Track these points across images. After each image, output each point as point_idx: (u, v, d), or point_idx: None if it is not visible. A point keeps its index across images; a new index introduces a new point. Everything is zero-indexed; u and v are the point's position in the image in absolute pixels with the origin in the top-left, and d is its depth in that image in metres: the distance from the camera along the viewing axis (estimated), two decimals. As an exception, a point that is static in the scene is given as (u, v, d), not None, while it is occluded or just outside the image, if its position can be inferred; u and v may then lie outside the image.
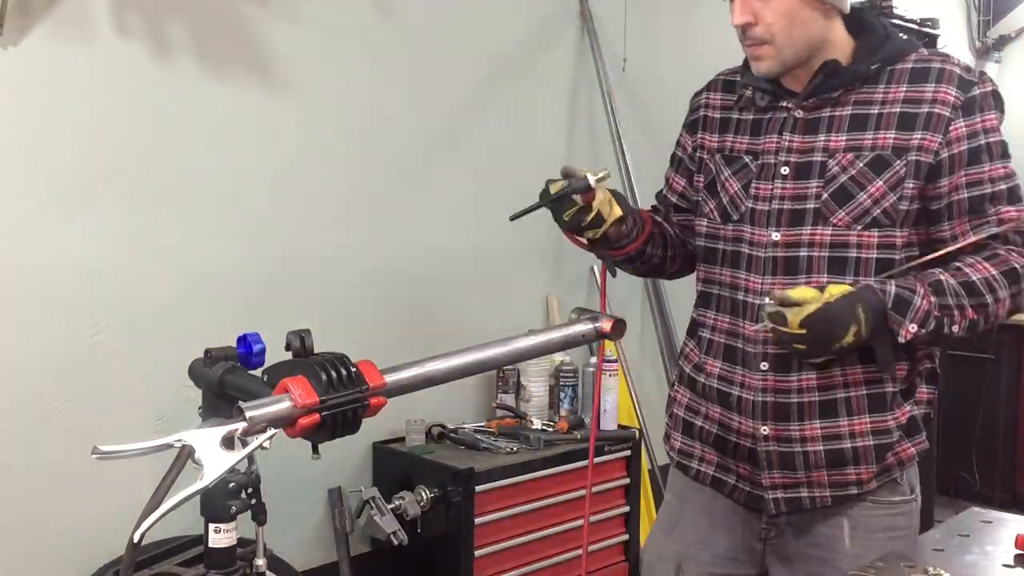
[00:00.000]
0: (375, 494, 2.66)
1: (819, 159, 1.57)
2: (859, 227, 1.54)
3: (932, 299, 1.47)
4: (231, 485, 1.27)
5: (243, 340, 1.26)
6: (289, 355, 1.22)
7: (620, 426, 3.04)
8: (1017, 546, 1.54)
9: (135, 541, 1.03)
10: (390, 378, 1.20)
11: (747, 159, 1.65)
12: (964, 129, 1.53)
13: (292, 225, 2.64)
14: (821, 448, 1.57)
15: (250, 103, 2.52)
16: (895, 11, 4.55)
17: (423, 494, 2.64)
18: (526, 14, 3.18)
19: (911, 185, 1.53)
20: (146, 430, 2.25)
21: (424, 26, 2.92)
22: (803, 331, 1.42)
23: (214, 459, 1.05)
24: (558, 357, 3.06)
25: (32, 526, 2.17)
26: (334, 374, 1.14)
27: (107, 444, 1.16)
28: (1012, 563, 1.49)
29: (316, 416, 1.11)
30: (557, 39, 3.27)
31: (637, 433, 3.04)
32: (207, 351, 1.29)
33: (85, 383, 2.25)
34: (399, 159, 2.88)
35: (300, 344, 1.23)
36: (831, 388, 1.56)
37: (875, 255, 1.54)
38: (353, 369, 1.16)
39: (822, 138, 1.58)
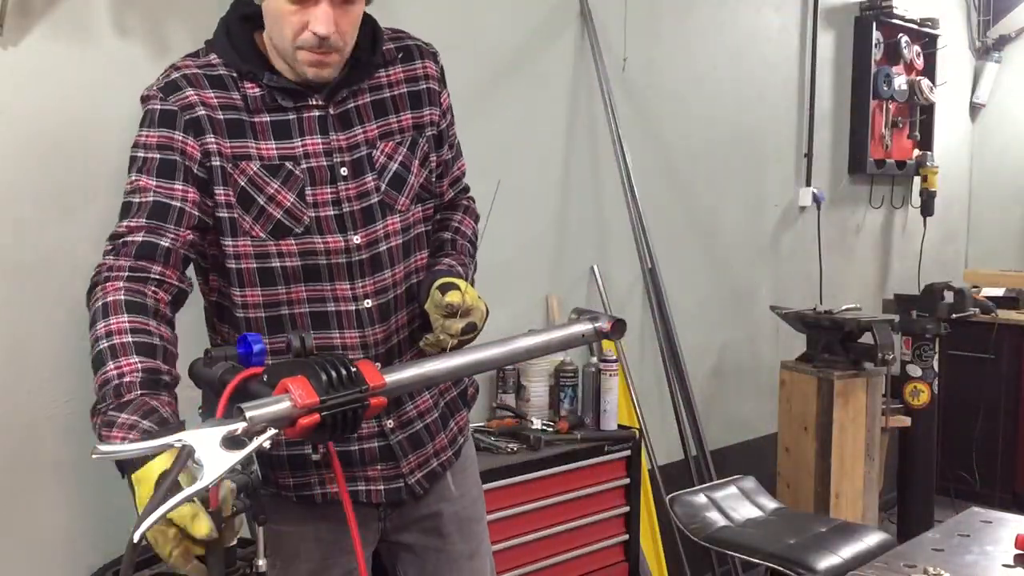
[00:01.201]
0: (375, 494, 2.66)
1: (365, 152, 1.60)
2: (415, 207, 1.67)
3: (471, 266, 1.77)
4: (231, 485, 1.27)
5: (243, 340, 1.26)
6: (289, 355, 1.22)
7: (620, 426, 3.04)
8: (1017, 546, 1.54)
9: (135, 541, 1.03)
10: (390, 378, 1.21)
11: (289, 166, 1.54)
12: (448, 98, 1.74)
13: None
14: (437, 415, 1.71)
15: (250, 103, 2.52)
16: (895, 11, 4.56)
17: (423, 494, 2.64)
18: (526, 14, 3.18)
19: (434, 157, 1.70)
20: (146, 430, 2.25)
21: (423, 26, 2.91)
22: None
23: (214, 459, 1.05)
24: (558, 357, 3.06)
25: (32, 526, 2.17)
26: (334, 374, 1.14)
27: (107, 444, 1.16)
28: (1012, 563, 1.50)
29: (316, 416, 1.11)
30: (557, 39, 3.27)
31: (637, 433, 3.04)
32: (207, 351, 1.28)
33: (85, 383, 2.24)
34: (399, 159, 2.88)
35: (300, 344, 1.23)
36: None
37: (424, 228, 1.70)
38: (353, 369, 1.16)
39: (359, 131, 1.61)
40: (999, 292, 4.88)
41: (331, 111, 1.57)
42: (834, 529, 2.72)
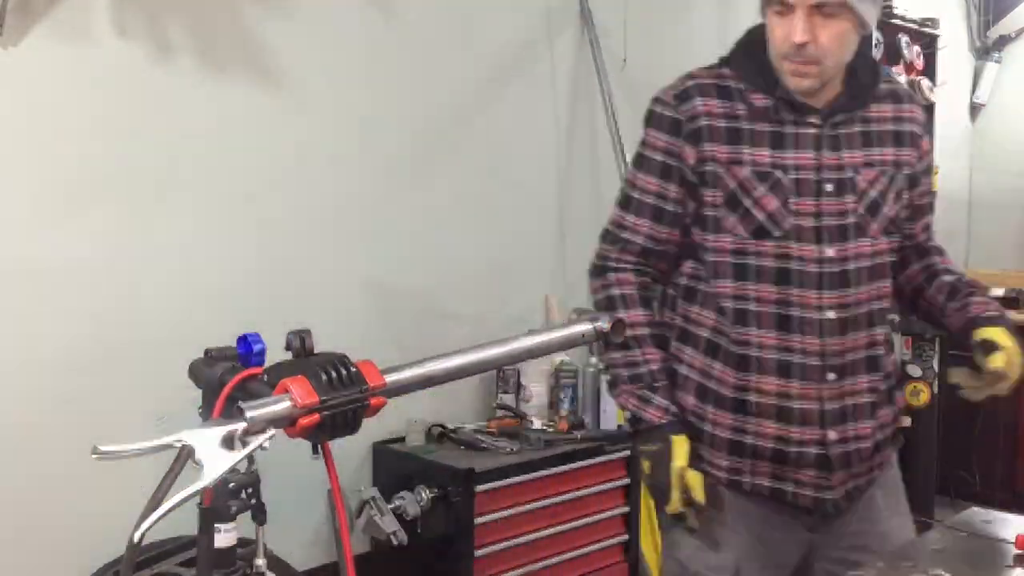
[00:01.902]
0: (375, 494, 2.66)
1: (850, 175, 1.68)
2: (884, 237, 1.70)
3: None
4: (231, 485, 1.26)
5: (243, 340, 1.26)
6: (289, 355, 1.22)
7: (620, 426, 3.04)
8: (1017, 546, 1.54)
9: (135, 541, 1.03)
10: (390, 378, 1.20)
11: (778, 174, 1.65)
12: (927, 144, 1.79)
13: (292, 225, 2.64)
14: (869, 444, 1.71)
15: (250, 103, 2.52)
16: (895, 11, 4.56)
17: (423, 494, 2.64)
18: (526, 14, 3.18)
19: (906, 196, 1.74)
20: (146, 430, 2.25)
21: (424, 26, 2.92)
22: None
23: (214, 459, 1.05)
24: (558, 357, 3.05)
25: (33, 526, 2.17)
26: (334, 374, 1.13)
27: (107, 444, 1.16)
28: (1012, 563, 1.49)
29: (316, 416, 1.11)
30: (557, 39, 3.27)
31: (637, 433, 3.03)
32: (207, 351, 1.28)
33: (85, 383, 2.25)
34: (399, 159, 2.88)
35: (300, 344, 1.22)
36: (872, 391, 1.71)
37: (889, 259, 1.73)
38: (353, 369, 1.16)
39: (846, 155, 1.68)
40: (999, 292, 4.87)
41: (825, 131, 1.67)
42: (834, 529, 2.71)
